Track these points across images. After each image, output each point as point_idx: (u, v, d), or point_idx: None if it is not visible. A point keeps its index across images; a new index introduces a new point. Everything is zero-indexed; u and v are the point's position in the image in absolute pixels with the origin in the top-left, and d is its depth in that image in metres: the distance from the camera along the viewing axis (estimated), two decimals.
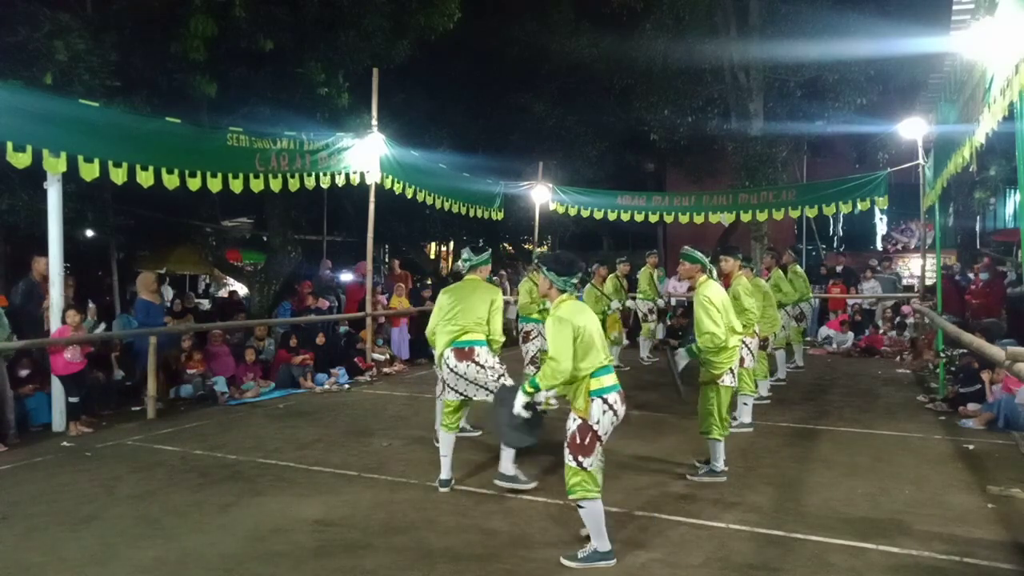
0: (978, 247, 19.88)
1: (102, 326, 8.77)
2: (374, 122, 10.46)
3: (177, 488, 5.38)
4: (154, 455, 6.34)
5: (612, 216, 14.55)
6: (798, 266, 10.42)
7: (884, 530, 4.43)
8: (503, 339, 5.44)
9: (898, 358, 11.84)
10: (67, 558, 4.10)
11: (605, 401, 3.94)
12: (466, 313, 5.23)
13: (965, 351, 8.05)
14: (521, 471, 5.20)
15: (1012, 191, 21.21)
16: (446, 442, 5.32)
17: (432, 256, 22.59)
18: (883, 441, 6.67)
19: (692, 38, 15.47)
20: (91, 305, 9.17)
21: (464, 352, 5.19)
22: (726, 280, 6.78)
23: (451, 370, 5.23)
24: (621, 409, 4.03)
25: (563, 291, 4.13)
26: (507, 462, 5.16)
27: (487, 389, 5.24)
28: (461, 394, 5.31)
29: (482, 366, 5.20)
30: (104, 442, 6.82)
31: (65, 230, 7.54)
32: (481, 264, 5.53)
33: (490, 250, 5.69)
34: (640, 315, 11.60)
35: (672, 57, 15.84)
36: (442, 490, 5.21)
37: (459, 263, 5.68)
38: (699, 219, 14.01)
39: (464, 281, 5.53)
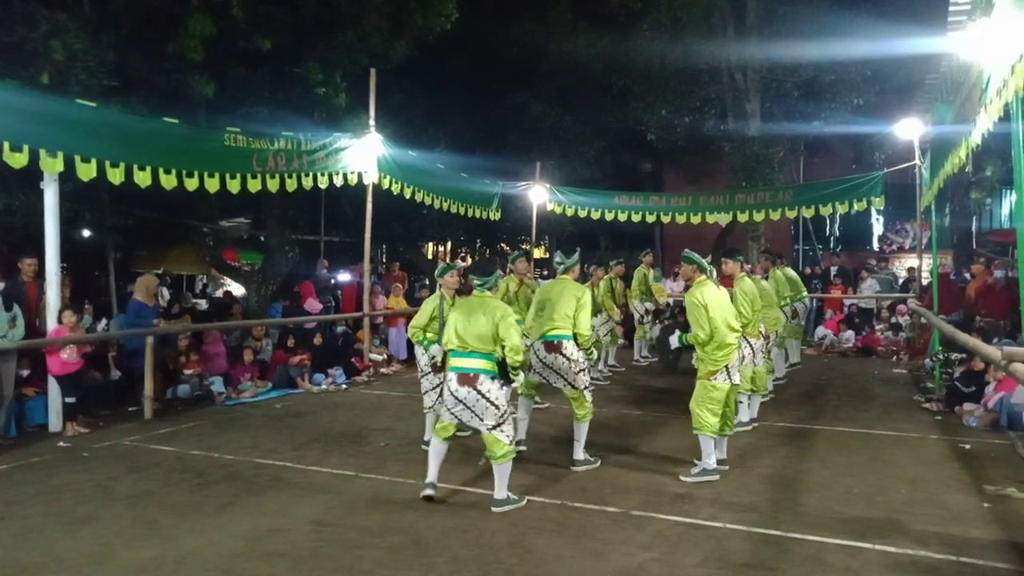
0: (974, 247, 19.93)
1: (104, 323, 8.73)
2: (372, 122, 10.45)
3: (174, 488, 5.38)
4: (151, 455, 6.34)
5: (609, 216, 14.56)
6: (788, 268, 10.44)
7: (881, 529, 4.45)
8: (591, 334, 6.11)
9: (894, 358, 11.87)
10: (64, 559, 4.10)
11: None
12: (553, 310, 5.86)
13: (964, 355, 8.08)
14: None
15: (1008, 191, 21.24)
16: (523, 406, 6.01)
17: (430, 256, 22.57)
18: (880, 441, 6.68)
19: (689, 39, 15.47)
20: (87, 305, 9.15)
21: (553, 345, 5.84)
22: (727, 282, 6.81)
23: (540, 360, 5.90)
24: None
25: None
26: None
27: (566, 380, 5.85)
28: (545, 379, 5.98)
29: (569, 359, 5.81)
30: (101, 442, 6.81)
31: (62, 230, 7.52)
32: (572, 265, 6.22)
33: (579, 250, 6.50)
34: (636, 317, 11.60)
35: (670, 57, 15.84)
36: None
37: (555, 263, 6.41)
38: (696, 219, 14.03)
39: (556, 280, 6.22)
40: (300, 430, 7.29)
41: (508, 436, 4.91)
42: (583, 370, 5.91)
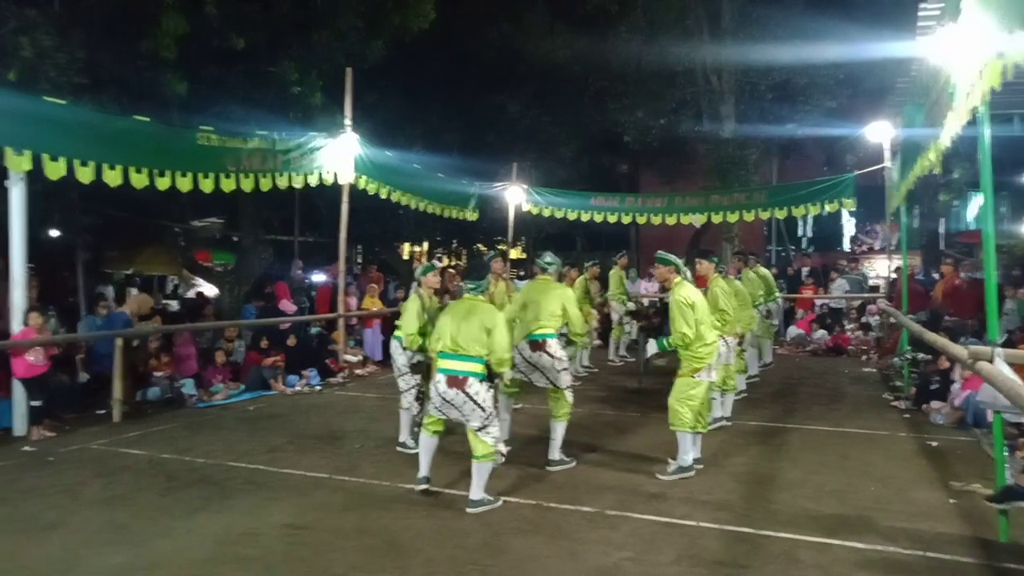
0: (942, 248, 20.32)
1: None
2: (348, 122, 10.36)
3: (144, 493, 5.29)
4: (120, 459, 6.23)
5: (586, 217, 14.61)
6: (761, 267, 10.55)
7: (851, 526, 4.51)
8: (584, 331, 6.35)
9: (864, 357, 12.05)
10: (30, 566, 4.02)
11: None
12: (538, 310, 5.95)
13: (931, 357, 8.23)
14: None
15: (975, 194, 21.70)
16: (503, 405, 6.01)
17: (406, 257, 22.48)
18: (850, 438, 6.78)
19: (665, 41, 15.58)
20: (50, 310, 8.94)
21: (539, 344, 5.89)
22: (701, 282, 6.87)
23: (525, 359, 5.91)
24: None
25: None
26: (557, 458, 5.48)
27: (548, 378, 5.92)
28: (527, 379, 6.04)
29: (553, 356, 5.89)
30: (68, 446, 6.69)
31: (29, 230, 7.38)
32: (558, 267, 6.50)
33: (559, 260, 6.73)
34: (616, 317, 11.65)
35: (646, 60, 15.95)
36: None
37: (544, 263, 6.44)
38: (671, 220, 14.12)
39: (538, 280, 6.32)
40: (273, 432, 7.22)
41: (493, 438, 4.93)
42: (565, 369, 5.99)
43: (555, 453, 5.91)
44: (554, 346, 5.93)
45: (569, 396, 6.01)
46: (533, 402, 7.41)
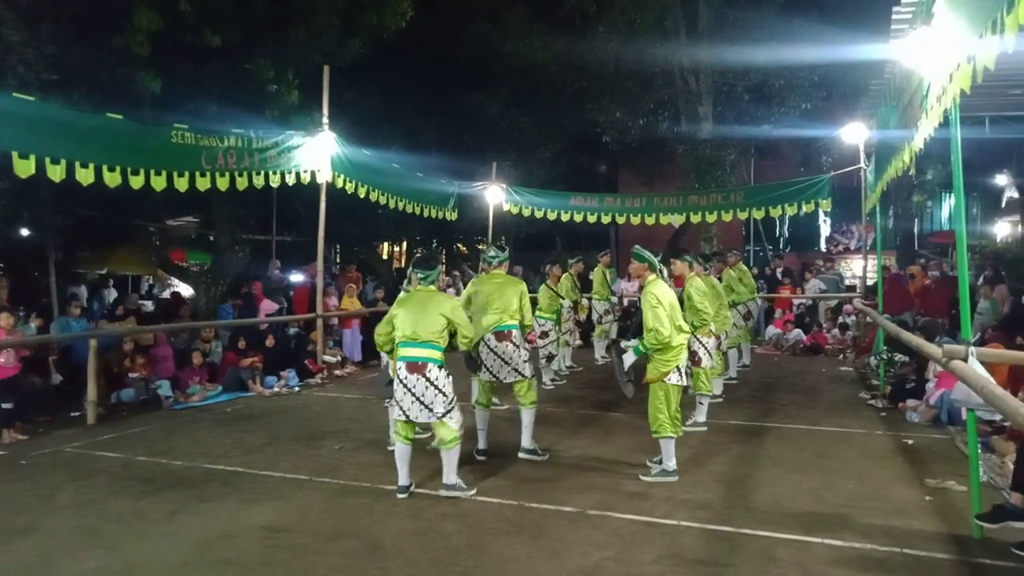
0: (916, 248, 20.64)
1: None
2: (325, 120, 10.29)
3: (119, 496, 5.21)
4: (94, 462, 6.13)
5: (565, 217, 14.64)
6: (743, 265, 10.64)
7: (828, 524, 4.56)
8: (531, 322, 6.47)
9: (841, 356, 12.20)
10: (1, 572, 3.93)
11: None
12: (501, 303, 6.04)
13: (907, 359, 8.34)
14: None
15: (948, 195, 22.08)
16: (481, 418, 6.13)
17: (384, 256, 22.36)
18: (827, 437, 6.85)
19: (643, 42, 15.67)
20: (21, 311, 8.78)
21: (504, 334, 6.00)
22: (678, 281, 6.89)
23: (491, 350, 5.98)
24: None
25: None
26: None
27: (517, 371, 6.00)
28: (495, 376, 6.03)
29: (518, 347, 6.01)
30: (41, 449, 6.56)
31: None
32: (506, 260, 6.38)
33: (508, 247, 6.77)
34: (596, 316, 11.68)
35: (624, 60, 16.03)
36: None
37: (488, 257, 6.41)
38: (650, 220, 14.21)
39: (491, 275, 6.28)
40: (251, 434, 7.14)
41: (457, 422, 5.12)
42: (528, 360, 6.15)
43: (527, 441, 6.09)
44: (518, 336, 6.08)
45: (535, 384, 6.21)
46: (513, 403, 7.40)
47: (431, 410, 5.00)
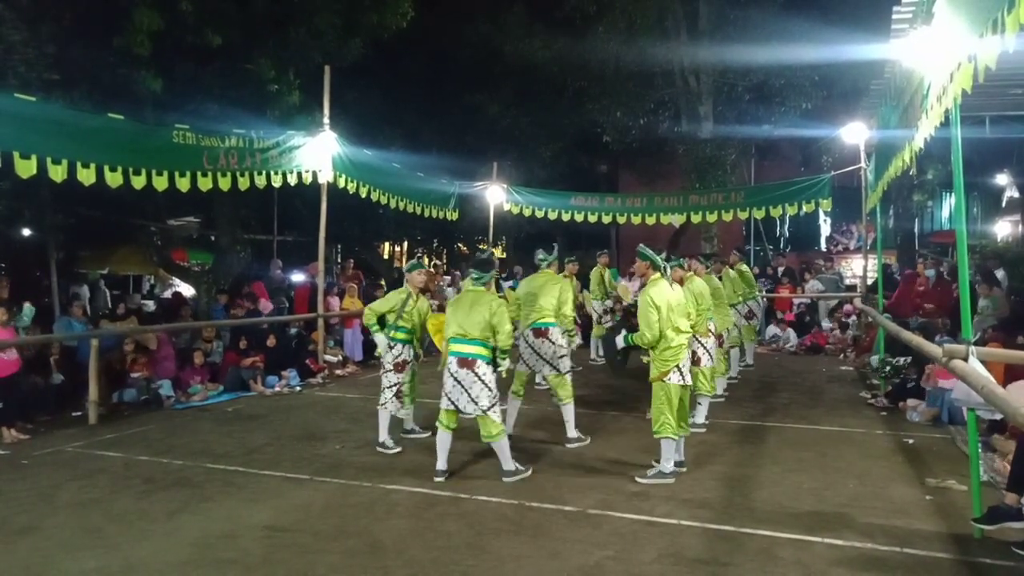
0: (916, 248, 20.63)
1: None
2: (326, 120, 10.29)
3: (120, 495, 5.21)
4: (96, 462, 6.13)
5: (566, 217, 14.64)
6: (743, 265, 10.63)
7: (829, 523, 4.56)
8: (573, 326, 7.09)
9: (841, 356, 12.20)
10: (2, 571, 3.94)
11: None
12: (542, 301, 6.59)
13: (909, 361, 8.32)
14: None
15: (948, 194, 22.08)
16: (512, 406, 6.54)
17: (385, 256, 22.38)
18: (828, 437, 6.85)
19: (644, 42, 15.66)
20: (26, 306, 8.78)
21: (541, 331, 6.54)
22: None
23: (528, 345, 6.56)
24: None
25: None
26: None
27: (551, 364, 6.52)
28: (532, 368, 6.64)
29: (553, 343, 6.53)
30: (42, 449, 6.56)
31: None
32: (553, 261, 7.09)
33: (556, 247, 7.62)
34: (595, 316, 11.68)
35: (624, 60, 16.01)
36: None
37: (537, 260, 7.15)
38: (651, 220, 14.21)
39: (538, 274, 6.96)
40: (252, 434, 7.15)
41: (499, 416, 5.47)
42: (565, 355, 6.60)
43: (572, 431, 6.53)
44: (555, 333, 6.56)
45: (569, 380, 6.64)
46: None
47: (476, 403, 5.36)
